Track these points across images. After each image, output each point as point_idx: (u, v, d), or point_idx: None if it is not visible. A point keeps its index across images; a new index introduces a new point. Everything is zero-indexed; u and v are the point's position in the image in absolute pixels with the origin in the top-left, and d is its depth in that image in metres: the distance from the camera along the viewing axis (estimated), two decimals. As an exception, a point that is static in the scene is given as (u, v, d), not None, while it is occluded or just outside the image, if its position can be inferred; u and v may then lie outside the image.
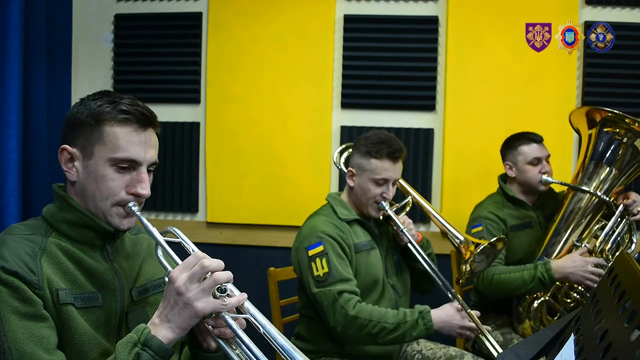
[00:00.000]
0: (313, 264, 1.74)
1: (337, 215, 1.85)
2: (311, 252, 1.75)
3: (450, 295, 1.80)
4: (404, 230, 1.86)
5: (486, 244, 1.84)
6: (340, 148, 2.23)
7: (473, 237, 1.95)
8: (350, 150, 1.99)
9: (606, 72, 2.60)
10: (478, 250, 1.85)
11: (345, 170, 1.94)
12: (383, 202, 1.84)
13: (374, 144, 1.82)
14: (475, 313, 1.75)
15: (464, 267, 1.89)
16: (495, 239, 1.88)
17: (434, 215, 2.04)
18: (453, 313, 1.72)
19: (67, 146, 1.08)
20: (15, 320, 0.92)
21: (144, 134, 1.07)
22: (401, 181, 2.03)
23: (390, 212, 1.85)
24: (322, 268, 1.72)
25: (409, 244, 1.88)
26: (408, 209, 2.01)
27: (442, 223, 1.99)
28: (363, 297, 1.77)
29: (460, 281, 1.93)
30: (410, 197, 2.05)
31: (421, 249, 1.88)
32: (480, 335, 1.75)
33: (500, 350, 1.77)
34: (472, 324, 1.72)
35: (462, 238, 1.91)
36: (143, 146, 1.07)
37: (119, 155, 1.04)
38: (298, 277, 1.87)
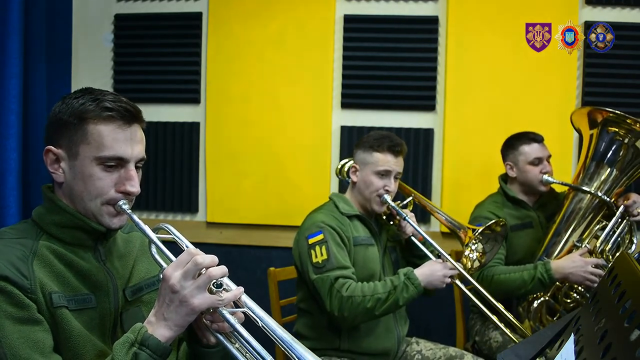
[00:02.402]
0: (312, 251, 1.78)
1: (339, 210, 1.89)
2: (311, 241, 1.80)
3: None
4: (407, 218, 1.88)
5: (483, 229, 1.87)
6: (343, 162, 2.15)
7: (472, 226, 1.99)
8: (352, 161, 2.00)
9: (606, 72, 2.60)
10: (477, 234, 1.87)
11: (348, 179, 1.98)
12: (386, 196, 1.86)
13: (376, 139, 1.89)
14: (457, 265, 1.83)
15: (465, 259, 1.90)
16: (492, 222, 1.89)
17: (436, 211, 2.09)
18: (434, 265, 1.79)
19: (51, 147, 1.06)
20: (9, 325, 0.91)
21: (129, 130, 1.04)
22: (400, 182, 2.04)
23: (393, 204, 1.88)
24: (321, 255, 1.76)
25: (412, 237, 1.93)
26: (409, 209, 2.02)
27: (442, 216, 2.03)
28: None
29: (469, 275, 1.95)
30: (412, 196, 2.08)
31: (424, 245, 1.93)
32: (462, 258, 1.89)
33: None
34: (454, 269, 1.80)
35: (458, 224, 1.96)
36: (129, 143, 1.04)
37: (105, 153, 1.02)
38: (298, 271, 1.89)
